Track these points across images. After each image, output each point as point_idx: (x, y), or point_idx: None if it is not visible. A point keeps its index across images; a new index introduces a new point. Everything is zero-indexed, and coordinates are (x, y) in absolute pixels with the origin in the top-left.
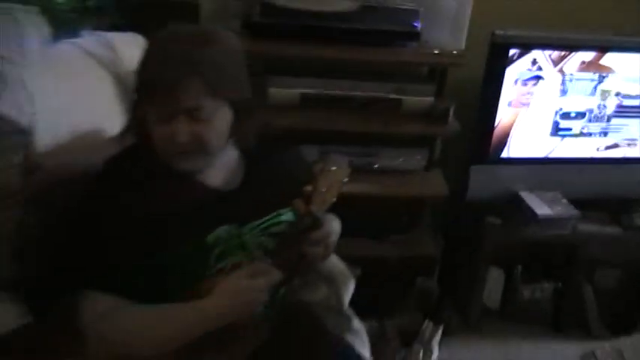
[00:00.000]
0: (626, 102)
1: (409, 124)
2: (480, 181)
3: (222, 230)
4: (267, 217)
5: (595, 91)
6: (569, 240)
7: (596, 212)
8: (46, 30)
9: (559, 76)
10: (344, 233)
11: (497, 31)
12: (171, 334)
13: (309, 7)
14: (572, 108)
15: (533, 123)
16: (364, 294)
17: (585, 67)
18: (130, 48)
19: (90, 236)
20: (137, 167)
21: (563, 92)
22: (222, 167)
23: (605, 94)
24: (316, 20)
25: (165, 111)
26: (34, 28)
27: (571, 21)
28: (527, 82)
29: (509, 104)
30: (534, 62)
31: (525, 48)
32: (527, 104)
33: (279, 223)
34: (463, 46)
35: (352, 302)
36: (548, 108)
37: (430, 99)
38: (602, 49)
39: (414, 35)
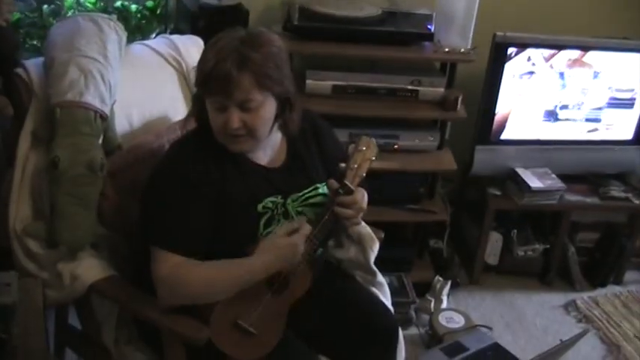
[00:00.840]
0: (609, 94)
1: (424, 110)
2: (483, 159)
3: (268, 201)
4: (306, 190)
5: (579, 84)
6: (557, 208)
7: (579, 185)
8: (123, 34)
9: (550, 71)
10: (370, 202)
11: (498, 33)
12: (227, 283)
13: (340, 12)
14: (562, 99)
15: (527, 110)
16: (387, 253)
17: (571, 63)
18: (191, 48)
19: (160, 203)
20: (198, 148)
21: (555, 85)
22: (268, 148)
23: (588, 87)
24: (346, 24)
25: (221, 102)
26: (114, 33)
27: (560, 24)
28: (523, 76)
29: (509, 94)
30: (529, 59)
31: (521, 47)
32: (523, 94)
33: (317, 195)
34: (469, 46)
35: (377, 260)
36: (541, 98)
37: (442, 90)
38: (585, 49)
39: (429, 36)
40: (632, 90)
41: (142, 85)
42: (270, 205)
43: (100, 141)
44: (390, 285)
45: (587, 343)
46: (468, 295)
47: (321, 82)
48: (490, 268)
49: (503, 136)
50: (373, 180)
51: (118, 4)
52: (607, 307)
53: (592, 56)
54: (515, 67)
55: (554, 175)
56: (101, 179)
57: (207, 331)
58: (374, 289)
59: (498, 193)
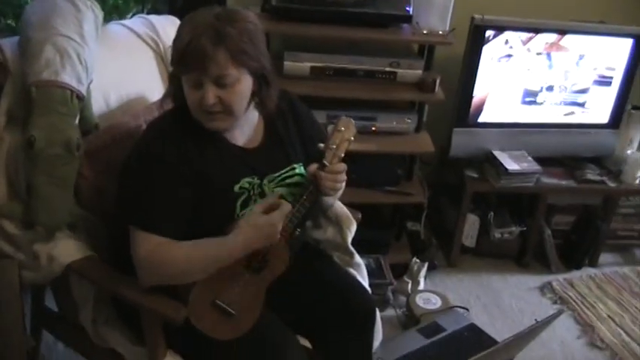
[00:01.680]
0: (588, 77)
1: (402, 92)
2: (461, 141)
3: (245, 182)
4: (283, 171)
5: (556, 68)
6: (533, 190)
7: (555, 168)
8: (99, 13)
9: (527, 54)
10: (348, 184)
11: (477, 16)
12: (207, 262)
13: None
14: (539, 82)
15: (505, 93)
16: (364, 235)
17: (549, 47)
18: (169, 28)
19: (138, 183)
20: (175, 128)
21: (532, 68)
22: (246, 128)
23: (565, 70)
24: (324, 5)
25: (196, 78)
26: (90, 12)
27: (537, 8)
28: (501, 59)
29: (486, 77)
30: (507, 42)
31: (499, 30)
32: (501, 77)
33: (294, 175)
34: (448, 28)
35: (354, 242)
36: (518, 81)
37: (420, 72)
38: (562, 32)
39: (407, 18)
40: (611, 75)
41: (119, 65)
42: (246, 185)
43: (77, 121)
44: (367, 267)
45: (562, 324)
46: (446, 277)
47: (299, 64)
48: (467, 250)
49: (481, 119)
50: (351, 162)
51: None
52: (582, 288)
53: (569, 40)
54: (493, 50)
55: (530, 158)
56: (77, 159)
57: (186, 310)
58: (352, 270)
59: (476, 175)
